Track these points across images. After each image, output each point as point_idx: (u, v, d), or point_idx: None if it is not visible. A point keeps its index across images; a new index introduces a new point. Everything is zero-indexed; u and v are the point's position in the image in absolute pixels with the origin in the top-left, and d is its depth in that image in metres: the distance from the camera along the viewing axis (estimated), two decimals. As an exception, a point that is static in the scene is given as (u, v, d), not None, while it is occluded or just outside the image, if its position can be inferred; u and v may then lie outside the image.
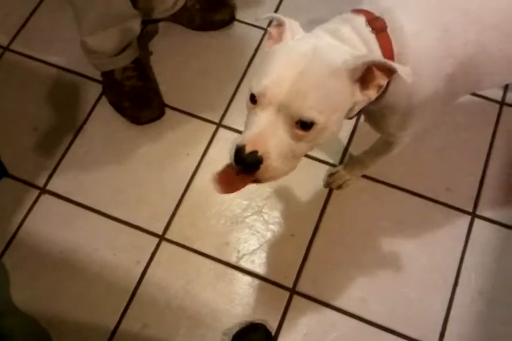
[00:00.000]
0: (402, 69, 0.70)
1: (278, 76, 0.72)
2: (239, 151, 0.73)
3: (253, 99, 0.75)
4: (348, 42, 0.76)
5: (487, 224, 1.34)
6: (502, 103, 1.48)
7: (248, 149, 0.72)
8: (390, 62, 0.70)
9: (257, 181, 0.77)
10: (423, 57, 0.80)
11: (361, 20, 0.77)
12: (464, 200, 1.37)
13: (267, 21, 1.60)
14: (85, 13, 1.29)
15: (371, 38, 0.76)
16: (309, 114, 0.71)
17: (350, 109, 0.78)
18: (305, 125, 0.71)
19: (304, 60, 0.72)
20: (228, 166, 0.78)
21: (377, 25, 0.77)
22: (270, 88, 0.72)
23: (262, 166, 0.73)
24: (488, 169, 1.41)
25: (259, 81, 0.74)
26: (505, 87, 1.51)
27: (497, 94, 1.49)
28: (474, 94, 1.48)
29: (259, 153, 0.72)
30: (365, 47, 0.76)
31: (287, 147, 0.74)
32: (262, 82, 0.73)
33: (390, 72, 0.72)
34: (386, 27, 0.77)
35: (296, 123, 0.72)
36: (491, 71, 0.90)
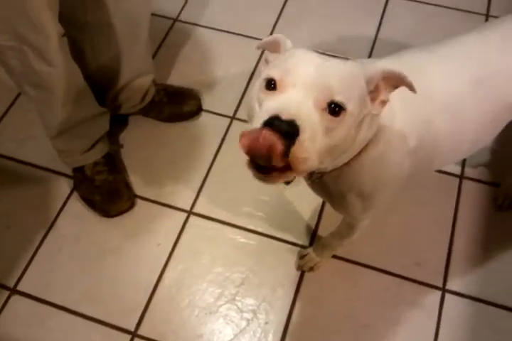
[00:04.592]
0: (411, 81, 0.71)
1: (301, 60, 0.69)
2: (273, 119, 0.61)
3: (270, 85, 0.68)
4: None
5: (458, 298, 1.34)
6: (461, 177, 1.54)
7: (285, 117, 0.62)
8: (403, 74, 0.71)
9: (288, 171, 0.64)
10: (391, 129, 0.82)
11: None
12: (434, 275, 1.38)
13: (233, 110, 1.68)
14: (48, 119, 1.33)
15: None
16: (339, 97, 0.66)
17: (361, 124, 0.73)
18: (334, 110, 0.66)
19: (324, 59, 0.70)
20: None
21: None
22: (295, 68, 0.67)
23: (299, 140, 0.62)
24: (454, 242, 1.43)
25: (278, 67, 0.69)
26: (463, 162, 1.57)
27: (455, 168, 1.55)
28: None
29: (298, 123, 0.62)
30: None
31: (318, 130, 0.65)
32: (283, 65, 0.69)
33: (396, 86, 0.74)
34: None
35: (326, 107, 0.66)
36: (440, 149, 0.96)
